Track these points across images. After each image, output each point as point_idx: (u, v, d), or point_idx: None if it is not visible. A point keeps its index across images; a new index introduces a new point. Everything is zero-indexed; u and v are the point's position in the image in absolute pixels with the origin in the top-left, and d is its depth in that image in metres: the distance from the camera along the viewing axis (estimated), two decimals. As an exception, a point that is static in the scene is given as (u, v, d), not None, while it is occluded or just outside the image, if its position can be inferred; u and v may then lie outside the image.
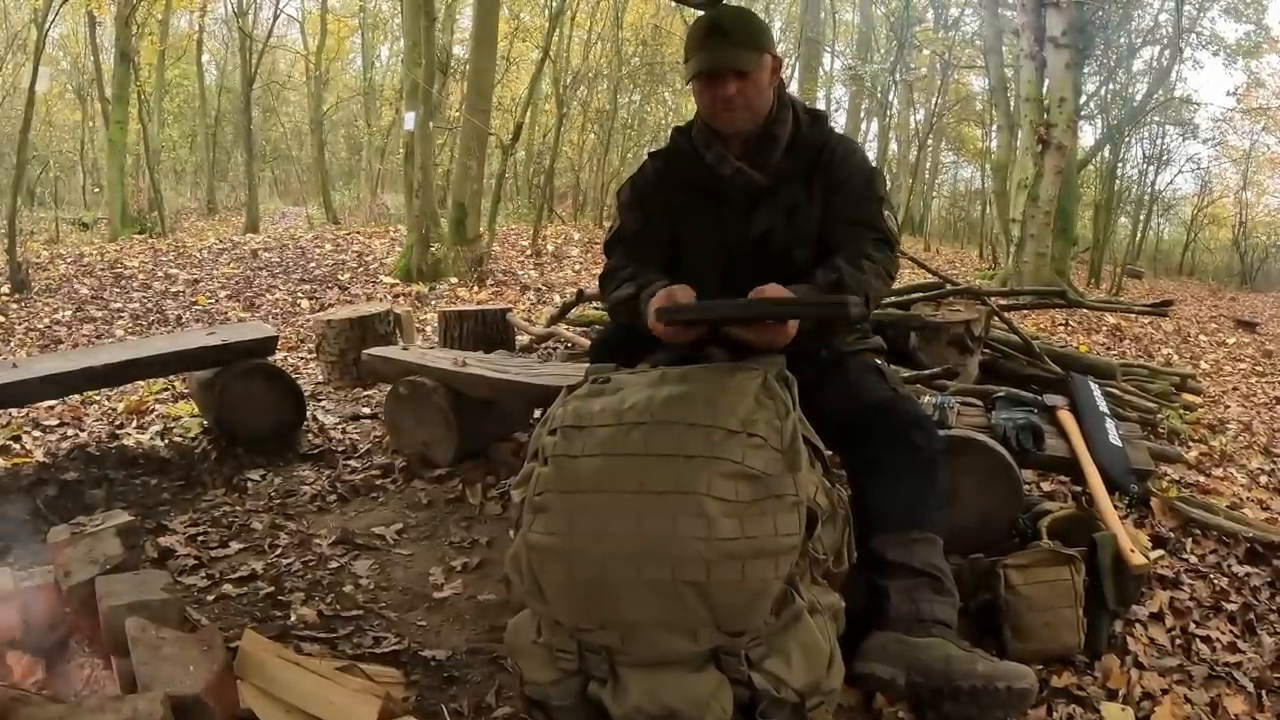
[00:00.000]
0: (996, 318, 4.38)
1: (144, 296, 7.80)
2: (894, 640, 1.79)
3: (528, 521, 1.62)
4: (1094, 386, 3.03)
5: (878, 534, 1.88)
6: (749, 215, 2.08)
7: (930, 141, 19.70)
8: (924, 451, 1.96)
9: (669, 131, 2.26)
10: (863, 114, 20.98)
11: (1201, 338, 9.60)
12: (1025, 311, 7.06)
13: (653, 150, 2.29)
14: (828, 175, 2.08)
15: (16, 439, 3.60)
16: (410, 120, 9.45)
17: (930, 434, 2.02)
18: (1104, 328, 8.25)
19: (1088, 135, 17.20)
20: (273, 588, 2.37)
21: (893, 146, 20.89)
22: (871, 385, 2.09)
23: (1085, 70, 12.87)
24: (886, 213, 2.11)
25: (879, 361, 2.25)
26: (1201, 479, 3.56)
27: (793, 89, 18.15)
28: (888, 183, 2.28)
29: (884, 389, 2.09)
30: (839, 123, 20.29)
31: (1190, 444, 4.08)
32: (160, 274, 8.70)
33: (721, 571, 1.49)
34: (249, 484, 3.15)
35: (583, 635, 1.58)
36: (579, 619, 1.58)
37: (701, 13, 2.26)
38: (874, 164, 2.22)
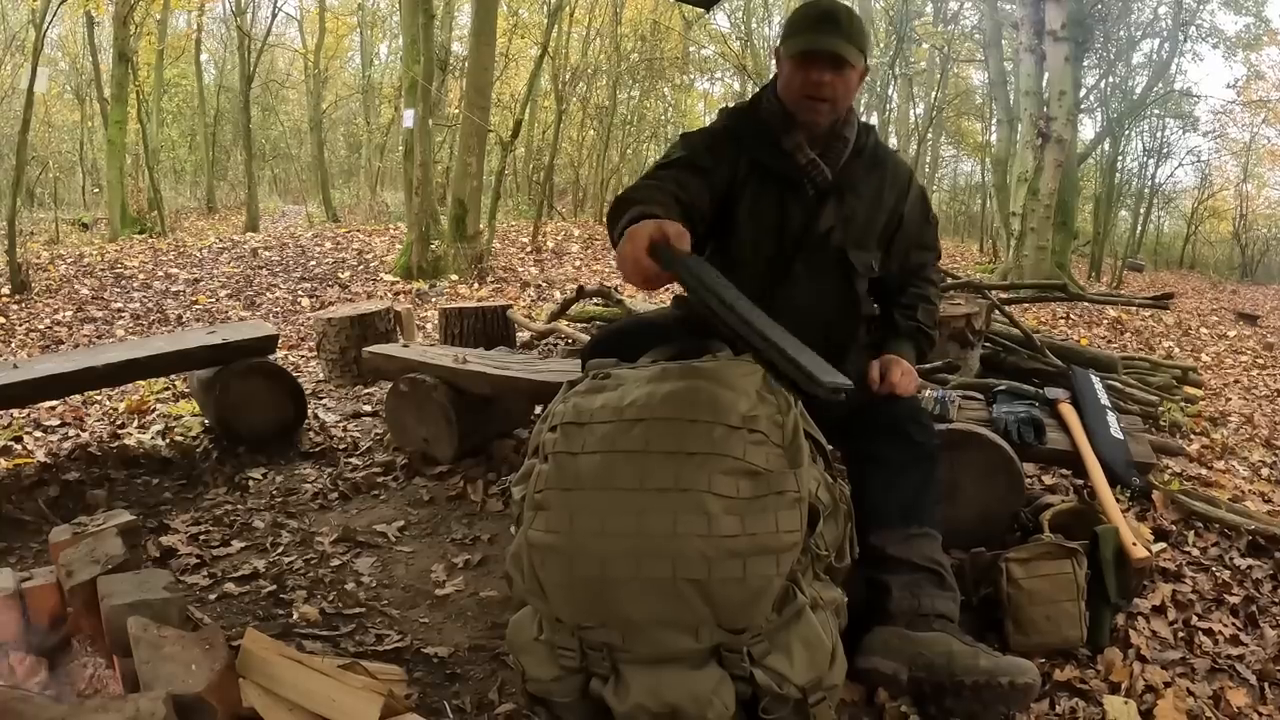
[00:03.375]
0: (997, 311, 4.37)
1: (144, 296, 7.80)
2: (896, 635, 1.79)
3: (528, 519, 1.61)
4: (1095, 380, 3.03)
5: (877, 529, 1.88)
6: (815, 209, 2.08)
7: (930, 135, 19.68)
8: (922, 446, 1.97)
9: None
10: (862, 108, 20.96)
11: (1202, 331, 9.58)
12: (1026, 305, 7.06)
13: (713, 126, 2.19)
14: (897, 194, 2.16)
15: (18, 439, 3.60)
16: (409, 118, 9.45)
17: (927, 428, 2.04)
18: (1105, 321, 8.24)
19: (1088, 129, 17.24)
20: (275, 586, 2.37)
21: (892, 141, 20.86)
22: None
23: (1085, 63, 12.86)
24: (933, 227, 2.30)
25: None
26: (1203, 472, 3.56)
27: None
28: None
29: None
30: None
31: (1192, 437, 4.08)
32: (160, 274, 8.70)
33: (723, 569, 1.49)
34: (250, 483, 3.15)
35: (584, 633, 1.58)
36: (580, 617, 1.57)
37: (701, 10, 2.26)
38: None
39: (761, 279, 2.05)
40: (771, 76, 2.15)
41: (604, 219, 15.64)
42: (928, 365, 3.43)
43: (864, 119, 2.17)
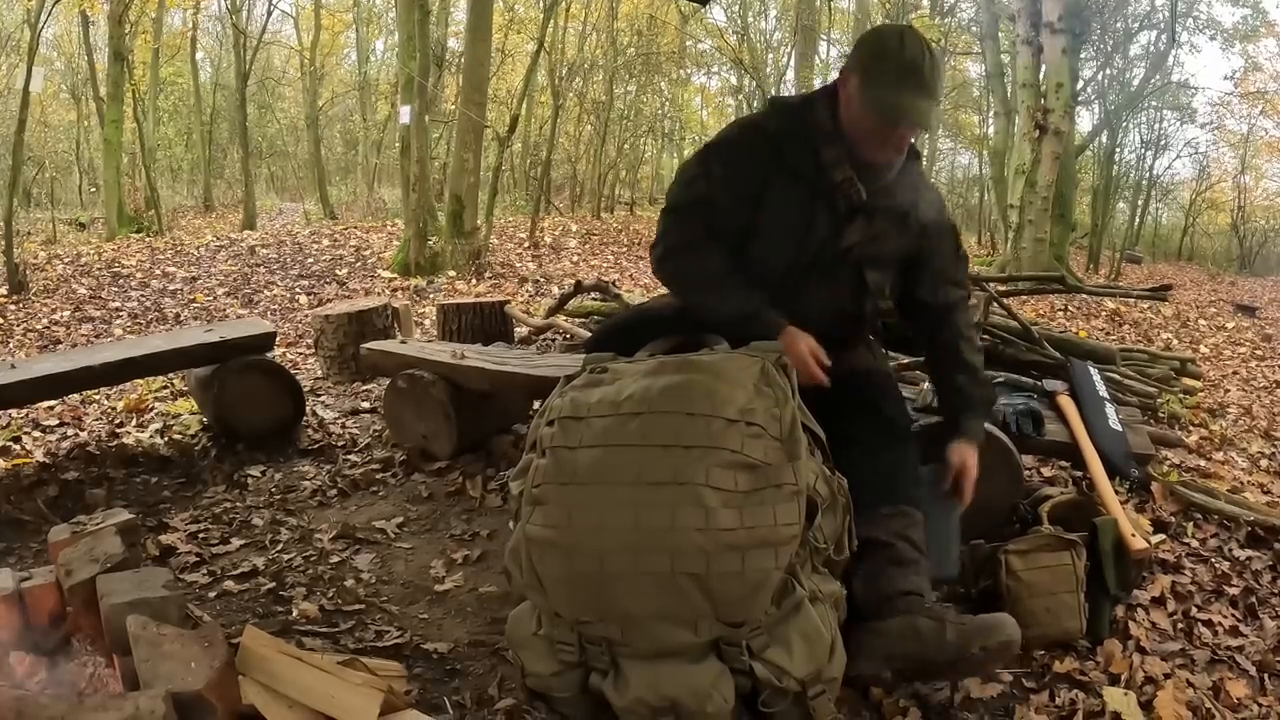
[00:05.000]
0: (995, 304, 4.37)
1: (142, 295, 7.79)
2: (867, 633, 1.77)
3: (526, 514, 1.61)
4: (1093, 372, 3.03)
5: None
6: (842, 224, 2.02)
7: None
8: (894, 423, 2.00)
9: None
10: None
11: (1201, 322, 9.60)
12: (1024, 297, 7.05)
13: (756, 119, 2.12)
14: (923, 216, 2.10)
15: (16, 439, 3.60)
16: (406, 114, 9.43)
17: (900, 406, 2.09)
18: (1103, 313, 8.25)
19: (1085, 120, 17.20)
20: (274, 583, 2.37)
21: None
22: (859, 355, 2.16)
23: (1082, 55, 12.82)
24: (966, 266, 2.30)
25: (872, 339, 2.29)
26: (1202, 463, 3.56)
27: (789, 77, 18.13)
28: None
29: (868, 358, 2.17)
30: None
31: (1190, 428, 4.08)
32: (158, 272, 8.69)
33: (721, 562, 1.49)
34: (249, 480, 3.15)
35: (583, 627, 1.58)
36: (578, 611, 1.58)
37: (697, 4, 2.25)
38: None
39: (776, 282, 2.03)
40: (830, 85, 2.05)
41: (601, 214, 15.65)
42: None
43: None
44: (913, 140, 2.06)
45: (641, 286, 7.89)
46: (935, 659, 1.71)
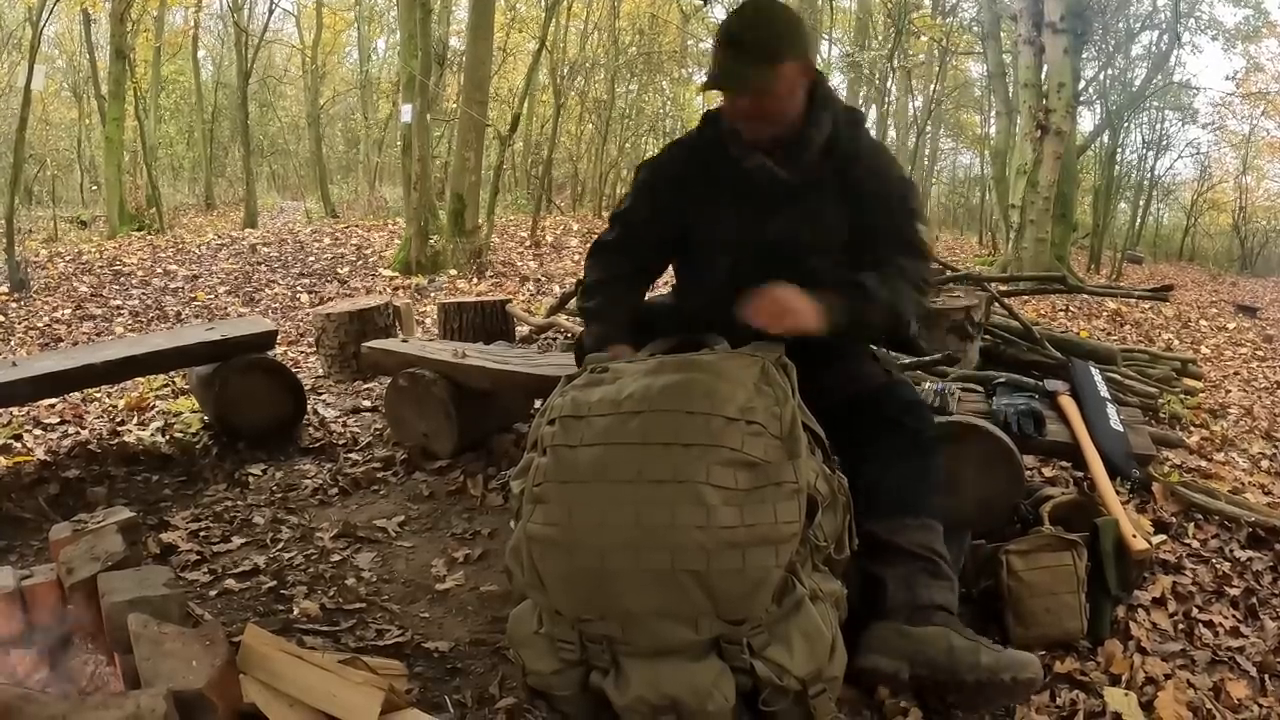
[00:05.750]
0: (997, 304, 4.37)
1: (143, 293, 7.79)
2: (894, 632, 1.77)
3: (527, 512, 1.62)
4: (1095, 372, 3.03)
5: (872, 520, 1.85)
6: (767, 215, 2.01)
7: (929, 128, 19.63)
8: (918, 435, 1.94)
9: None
10: (861, 101, 20.87)
11: (1202, 323, 9.59)
12: (1025, 297, 7.04)
13: (685, 136, 2.22)
14: (861, 186, 2.00)
15: (18, 437, 3.60)
16: (407, 113, 9.43)
17: (923, 417, 2.00)
18: (1104, 313, 8.24)
19: (1086, 120, 17.21)
20: (275, 582, 2.37)
21: (891, 133, 20.79)
22: (865, 368, 2.08)
23: (1084, 55, 12.81)
24: (920, 226, 2.07)
25: (876, 348, 2.24)
26: (1203, 464, 3.56)
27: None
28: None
29: (877, 372, 2.08)
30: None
31: (1191, 429, 4.08)
32: (159, 270, 8.69)
33: (721, 560, 1.49)
34: (250, 479, 3.15)
35: (584, 625, 1.58)
36: (579, 609, 1.58)
37: (699, 3, 2.25)
38: (908, 176, 2.17)
39: (724, 292, 1.95)
40: None
41: (603, 212, 15.64)
42: (928, 358, 3.43)
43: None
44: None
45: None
46: (964, 678, 1.70)
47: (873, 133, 2.30)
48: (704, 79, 1.98)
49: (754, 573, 1.50)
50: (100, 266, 8.75)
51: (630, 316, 2.13)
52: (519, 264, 9.59)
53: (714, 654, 1.55)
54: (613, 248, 2.22)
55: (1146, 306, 9.00)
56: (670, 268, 2.34)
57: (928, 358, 3.45)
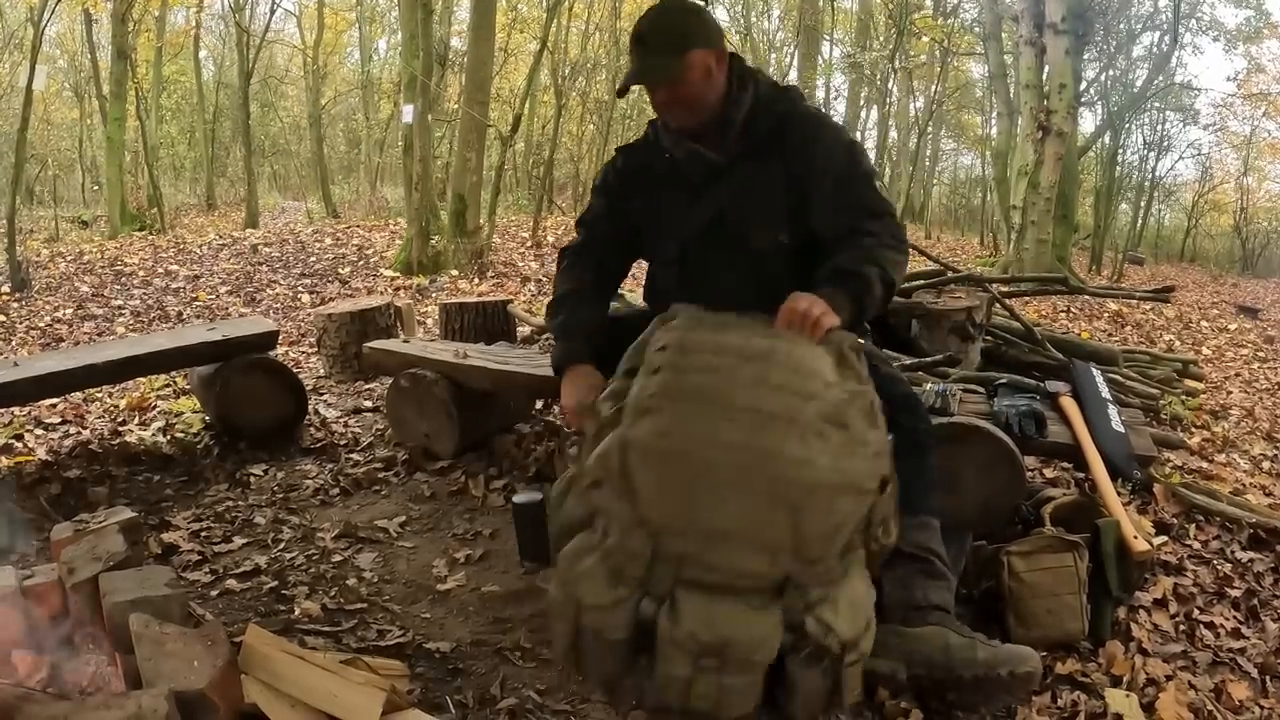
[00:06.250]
0: (998, 305, 4.37)
1: (144, 293, 7.80)
2: (891, 633, 1.78)
3: (629, 422, 1.61)
4: (1096, 373, 3.03)
5: None
6: (702, 197, 2.10)
7: (930, 129, 19.62)
8: (914, 432, 1.95)
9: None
10: (862, 102, 20.90)
11: (1203, 324, 9.59)
12: (1027, 298, 7.03)
13: (629, 142, 2.36)
14: (800, 158, 2.02)
15: (19, 437, 3.60)
16: (409, 113, 9.43)
17: (918, 415, 2.02)
18: (1105, 314, 8.24)
19: (1088, 121, 17.21)
20: (276, 582, 2.37)
21: (892, 134, 20.81)
22: None
23: (1085, 56, 12.80)
24: (877, 184, 2.10)
25: (864, 342, 2.24)
26: (1204, 465, 3.56)
27: (792, 77, 18.10)
28: (875, 161, 2.25)
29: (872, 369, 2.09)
30: (838, 111, 20.23)
31: (1193, 430, 4.08)
32: (160, 270, 8.70)
33: (814, 499, 1.51)
34: (251, 479, 3.15)
35: (663, 541, 1.55)
36: (669, 516, 1.55)
37: (700, 3, 2.28)
38: (849, 136, 2.19)
39: (678, 281, 2.13)
40: None
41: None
42: (929, 359, 3.43)
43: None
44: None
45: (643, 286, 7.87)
46: (960, 674, 1.72)
47: (874, 134, 2.33)
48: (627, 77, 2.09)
49: (837, 516, 1.54)
50: (101, 266, 8.76)
51: (593, 331, 2.18)
52: (520, 264, 9.59)
53: (774, 607, 1.53)
54: (577, 251, 2.33)
55: (1148, 308, 9.00)
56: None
57: (929, 358, 3.45)
